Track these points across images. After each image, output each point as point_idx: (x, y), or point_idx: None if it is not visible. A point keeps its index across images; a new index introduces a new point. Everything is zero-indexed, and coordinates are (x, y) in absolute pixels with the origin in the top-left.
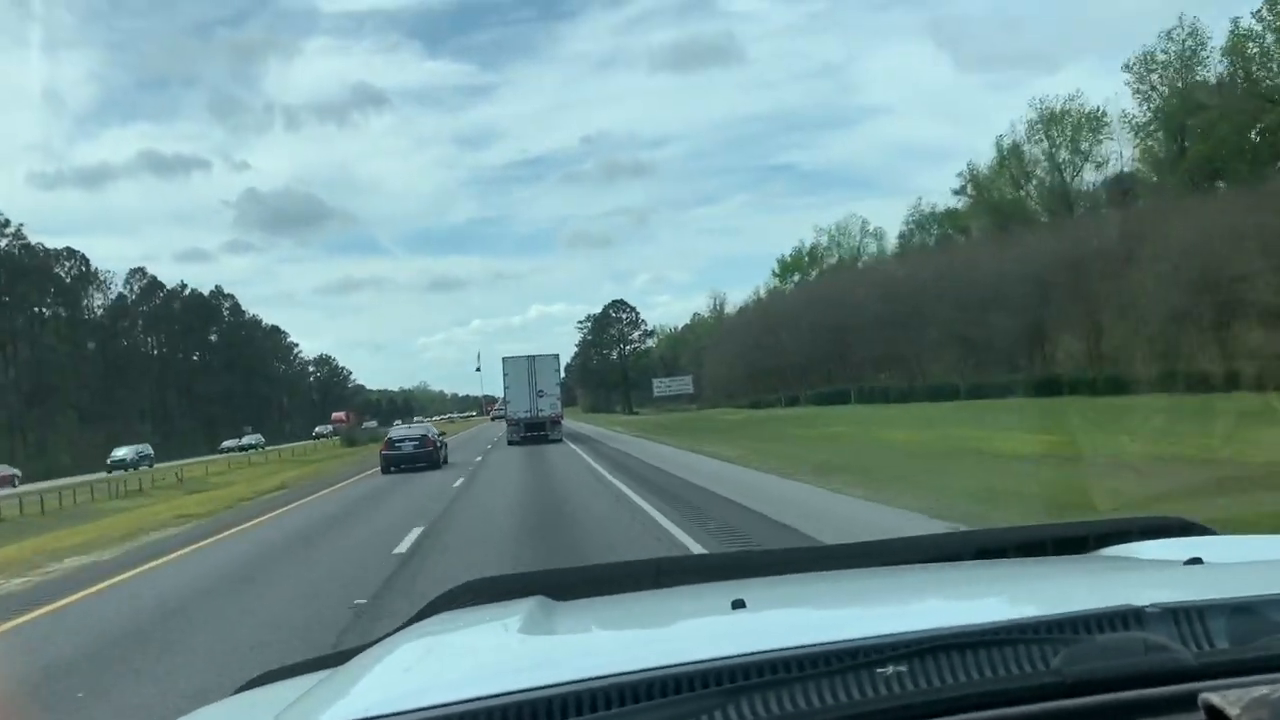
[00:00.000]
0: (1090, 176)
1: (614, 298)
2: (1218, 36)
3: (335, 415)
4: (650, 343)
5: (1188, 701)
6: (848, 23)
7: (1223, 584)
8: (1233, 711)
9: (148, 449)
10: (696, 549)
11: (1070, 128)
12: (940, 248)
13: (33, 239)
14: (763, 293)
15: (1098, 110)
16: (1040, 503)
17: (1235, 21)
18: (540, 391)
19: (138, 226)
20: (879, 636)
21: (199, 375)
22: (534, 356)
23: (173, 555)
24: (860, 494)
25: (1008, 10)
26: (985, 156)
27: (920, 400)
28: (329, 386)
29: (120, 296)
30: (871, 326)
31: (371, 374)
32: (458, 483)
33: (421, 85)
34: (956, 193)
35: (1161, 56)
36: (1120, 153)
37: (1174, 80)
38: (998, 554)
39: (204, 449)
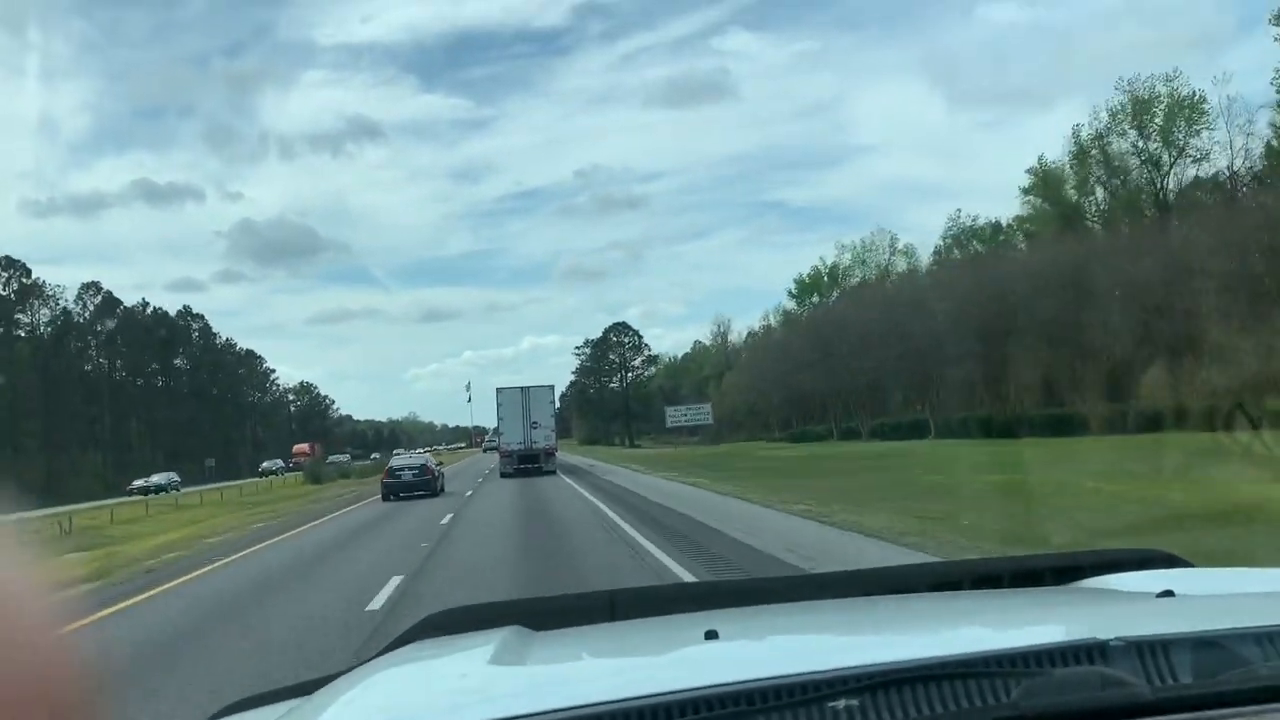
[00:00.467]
0: (1189, 171)
1: (608, 328)
2: None
3: (297, 447)
4: (654, 369)
5: None
6: (839, 62)
7: (1192, 617)
8: None
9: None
10: None
11: (1164, 115)
12: (1034, 249)
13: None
14: (773, 319)
15: (1194, 96)
16: None
17: None
18: (535, 423)
19: (129, 255)
20: (834, 670)
21: (160, 401)
22: (529, 387)
23: None
24: None
25: (999, 49)
26: (1055, 151)
27: (1042, 434)
28: (309, 416)
29: (65, 312)
30: (954, 338)
31: (361, 404)
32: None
33: (417, 118)
34: (1026, 191)
35: None
36: (1230, 142)
37: None
38: (970, 585)
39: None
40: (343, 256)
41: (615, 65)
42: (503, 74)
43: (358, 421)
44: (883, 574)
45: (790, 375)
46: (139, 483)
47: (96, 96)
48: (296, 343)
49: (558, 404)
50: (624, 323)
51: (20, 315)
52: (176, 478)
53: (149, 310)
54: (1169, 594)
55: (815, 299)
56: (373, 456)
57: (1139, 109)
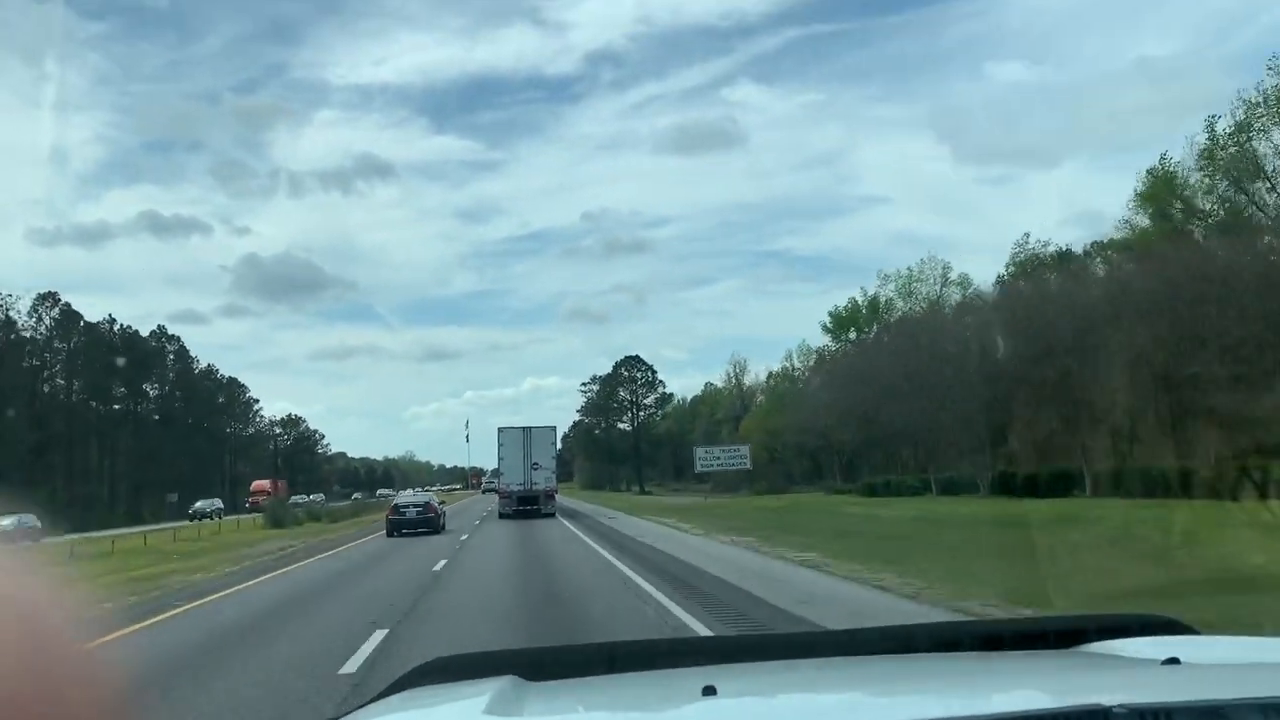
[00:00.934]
0: None
1: (618, 362)
2: None
3: (257, 484)
4: (668, 408)
5: None
6: (846, 114)
7: (1197, 685)
8: None
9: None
10: None
11: None
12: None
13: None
14: (796, 359)
15: None
16: None
17: None
18: (535, 464)
19: (133, 286)
20: None
21: (122, 429)
22: (530, 427)
23: None
24: None
25: (1006, 106)
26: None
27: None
28: (297, 451)
29: (9, 322)
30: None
31: (359, 442)
32: None
33: (427, 159)
34: (1140, 198)
35: None
36: None
37: None
38: (972, 646)
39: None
40: (348, 293)
41: (625, 112)
42: (514, 118)
43: (352, 459)
44: (885, 633)
45: (861, 408)
46: None
47: (108, 129)
48: (298, 379)
49: (559, 445)
50: (637, 356)
51: None
52: (33, 520)
53: (116, 328)
54: (1174, 661)
55: (852, 334)
56: (354, 496)
57: None
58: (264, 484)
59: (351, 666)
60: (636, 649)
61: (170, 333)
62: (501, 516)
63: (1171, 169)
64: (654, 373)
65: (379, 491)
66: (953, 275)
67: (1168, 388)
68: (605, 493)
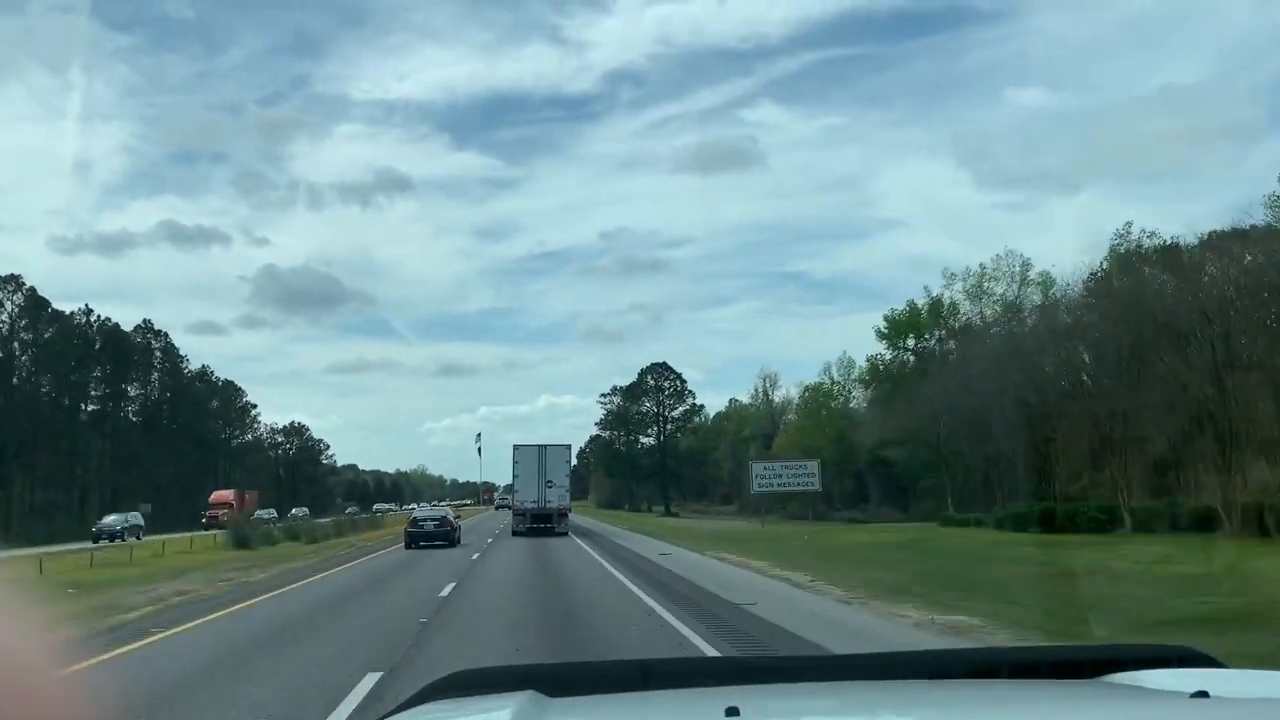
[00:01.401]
0: None
1: (644, 369)
2: None
3: (217, 495)
4: (698, 420)
5: None
6: (866, 137)
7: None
8: None
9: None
10: None
11: None
12: None
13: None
14: (835, 373)
15: None
16: None
17: None
18: (550, 482)
19: (152, 296)
20: None
21: (96, 431)
22: (545, 446)
23: None
24: None
25: (1027, 131)
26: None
27: None
28: (298, 461)
29: None
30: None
31: (373, 455)
32: None
33: (447, 175)
34: None
35: None
36: None
37: None
38: (998, 673)
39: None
40: (365, 307)
41: (644, 131)
42: (533, 136)
43: (362, 471)
44: (918, 658)
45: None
46: None
47: (132, 139)
48: (314, 391)
49: (574, 462)
50: (664, 364)
51: None
52: None
53: (92, 318)
54: (1203, 694)
55: (911, 340)
56: (348, 510)
57: None
58: (225, 495)
59: None
60: (660, 667)
61: (157, 328)
62: (515, 534)
63: None
64: (683, 381)
65: (376, 507)
66: (1031, 274)
67: None
68: (624, 513)
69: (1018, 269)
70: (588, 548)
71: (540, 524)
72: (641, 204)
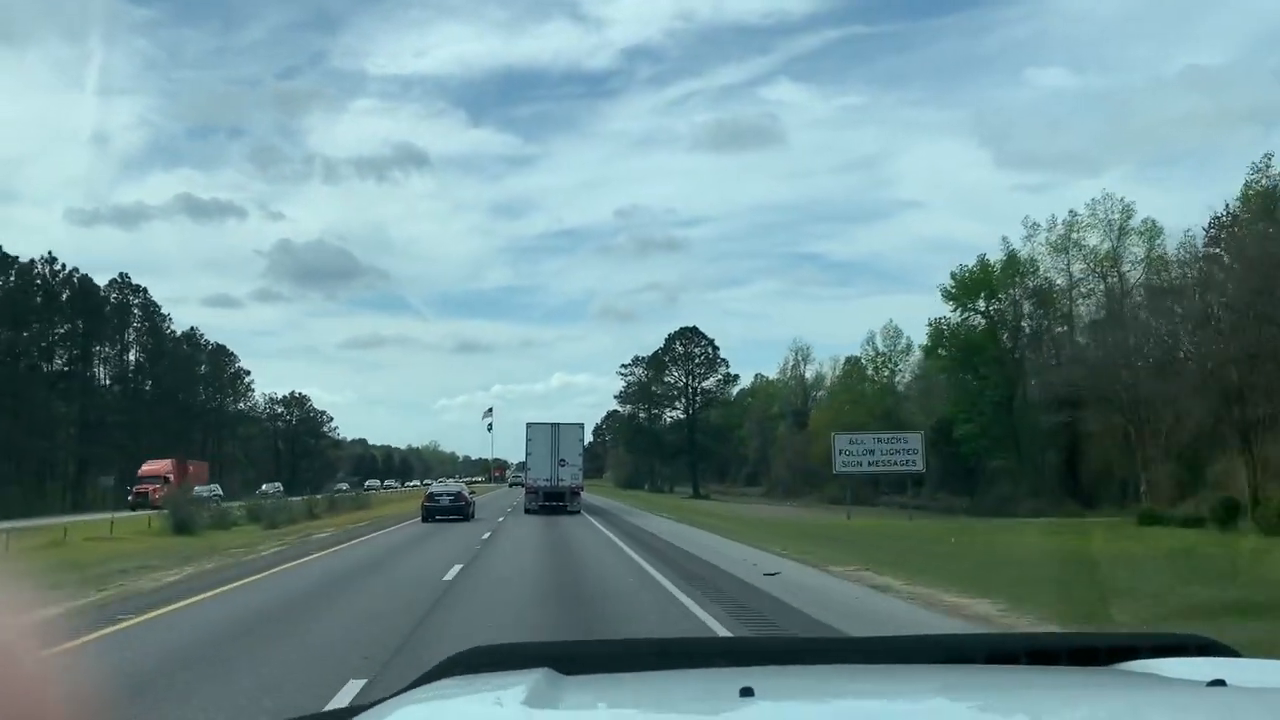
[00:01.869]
0: None
1: (671, 334)
2: None
3: (148, 467)
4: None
5: None
6: (886, 117)
7: (1247, 710)
8: None
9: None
10: None
11: None
12: None
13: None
14: (880, 342)
15: None
16: None
17: None
18: (563, 460)
19: (168, 268)
20: None
21: (60, 394)
22: (559, 424)
23: None
24: None
25: (1047, 112)
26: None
27: None
28: (299, 434)
29: None
30: None
31: (383, 430)
32: None
33: (463, 151)
34: None
35: None
36: None
37: None
38: (1012, 659)
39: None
40: (380, 283)
41: (661, 109)
42: (550, 112)
43: (371, 445)
44: (936, 642)
45: None
46: None
47: (150, 112)
48: (327, 365)
49: (588, 441)
50: (694, 328)
51: None
52: None
53: (58, 268)
54: (1219, 683)
55: (981, 301)
56: (339, 487)
57: None
58: (158, 466)
59: None
60: (673, 647)
61: (135, 283)
62: (528, 511)
63: None
64: (715, 348)
65: (368, 483)
66: (1138, 222)
67: None
68: (645, 494)
69: (1117, 216)
70: (632, 552)
71: (552, 502)
72: (659, 182)
